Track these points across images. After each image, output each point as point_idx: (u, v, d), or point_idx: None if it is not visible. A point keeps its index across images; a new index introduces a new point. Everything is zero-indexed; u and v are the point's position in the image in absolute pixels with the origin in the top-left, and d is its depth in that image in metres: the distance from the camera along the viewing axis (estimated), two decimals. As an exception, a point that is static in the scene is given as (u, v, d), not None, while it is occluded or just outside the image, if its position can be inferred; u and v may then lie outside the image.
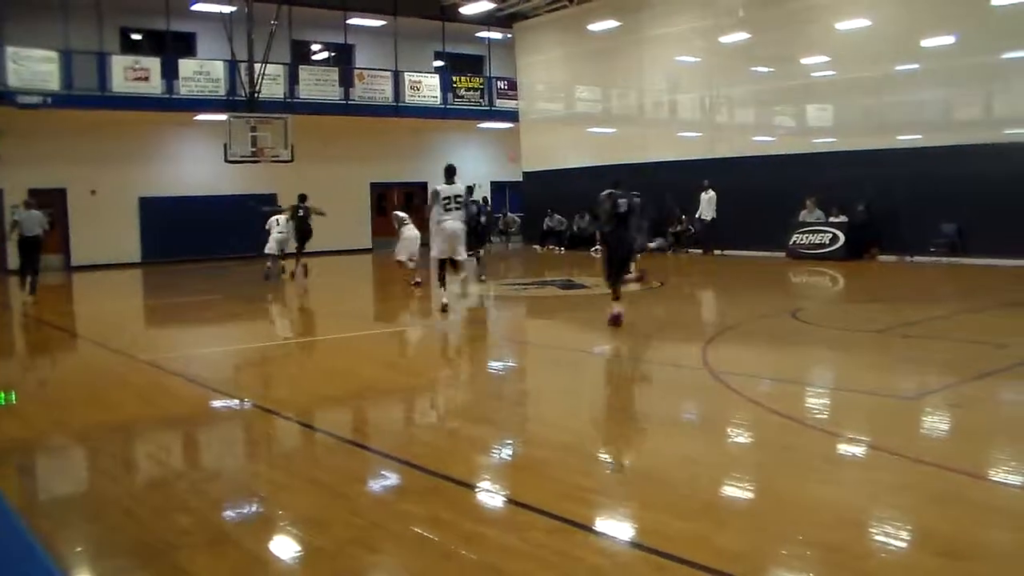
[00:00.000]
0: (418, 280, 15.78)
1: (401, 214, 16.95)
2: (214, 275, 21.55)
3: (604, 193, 10.40)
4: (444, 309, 12.26)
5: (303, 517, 4.56)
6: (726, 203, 21.70)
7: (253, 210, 20.81)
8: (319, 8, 26.22)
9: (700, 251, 22.58)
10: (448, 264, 12.63)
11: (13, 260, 19.87)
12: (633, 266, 11.16)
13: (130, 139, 24.84)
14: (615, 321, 10.30)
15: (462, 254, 12.64)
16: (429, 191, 11.73)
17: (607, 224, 10.32)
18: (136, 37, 26.01)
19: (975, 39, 17.80)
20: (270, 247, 18.84)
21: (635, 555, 3.98)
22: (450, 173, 12.49)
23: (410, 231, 16.35)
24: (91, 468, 5.91)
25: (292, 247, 19.36)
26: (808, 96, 22.16)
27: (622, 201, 10.14)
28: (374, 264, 24.99)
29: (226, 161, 23.67)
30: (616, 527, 4.38)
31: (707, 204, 22.27)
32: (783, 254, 20.44)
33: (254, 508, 4.82)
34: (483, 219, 19.03)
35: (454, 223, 12.26)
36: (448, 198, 12.20)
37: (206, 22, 25.24)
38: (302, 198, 19.24)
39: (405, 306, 14.70)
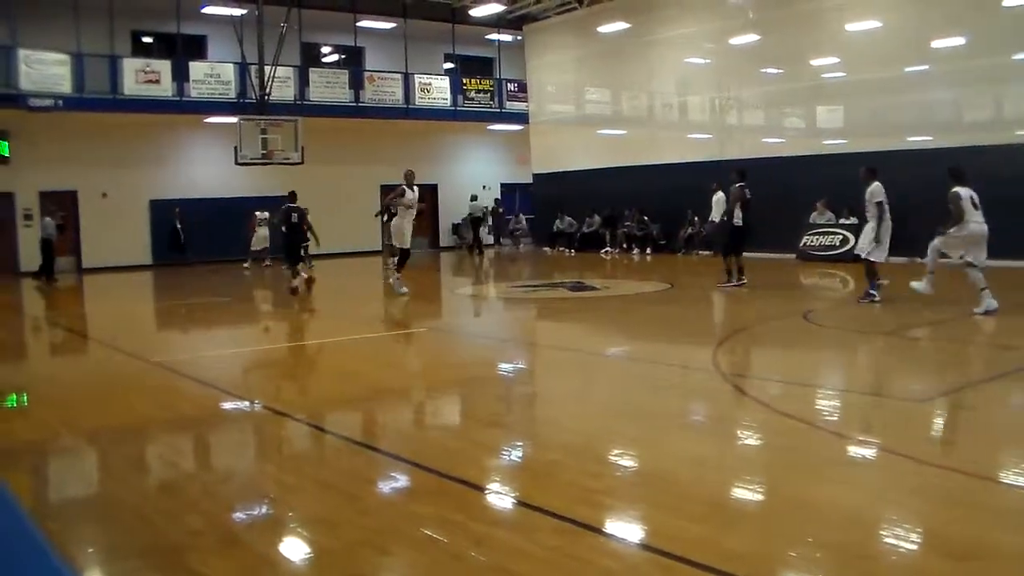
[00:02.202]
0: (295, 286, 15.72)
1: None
2: (224, 277, 21.60)
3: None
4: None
5: (313, 518, 4.58)
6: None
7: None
8: (329, 11, 26.29)
9: (710, 253, 22.54)
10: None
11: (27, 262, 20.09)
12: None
13: (141, 142, 24.97)
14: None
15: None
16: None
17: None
18: (147, 40, 26.14)
19: (985, 40, 17.73)
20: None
21: (644, 556, 3.98)
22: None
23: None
24: (101, 470, 5.93)
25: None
26: (818, 98, 22.09)
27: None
28: (383, 266, 24.97)
29: (236, 163, 23.79)
30: (625, 529, 4.37)
31: (718, 205, 22.20)
32: (794, 256, 20.39)
33: (264, 509, 4.84)
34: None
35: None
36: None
37: (217, 25, 25.34)
38: (291, 196, 17.35)
39: (415, 309, 14.70)
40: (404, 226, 15.13)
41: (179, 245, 24.48)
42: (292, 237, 16.26)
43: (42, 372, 10.24)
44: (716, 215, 22.26)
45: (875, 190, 11.96)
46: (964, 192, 11.02)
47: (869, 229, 12.11)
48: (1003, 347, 8.76)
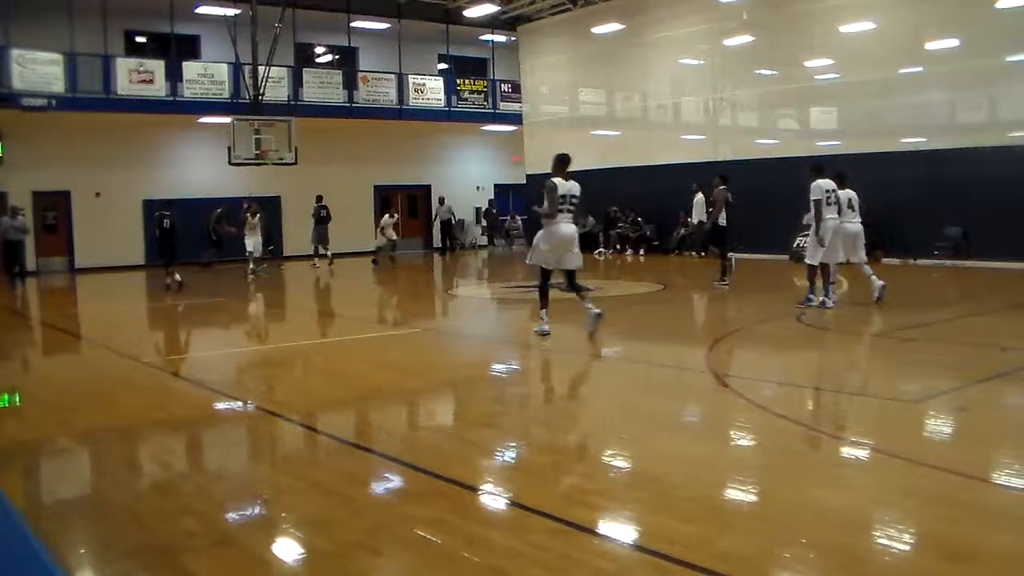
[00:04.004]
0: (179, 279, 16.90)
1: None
2: (218, 277, 21.55)
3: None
4: (594, 317, 10.02)
5: (307, 519, 4.57)
6: (729, 206, 21.63)
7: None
8: (323, 11, 26.28)
9: (693, 254, 22.61)
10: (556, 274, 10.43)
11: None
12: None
13: (134, 142, 24.92)
14: None
15: (574, 262, 10.15)
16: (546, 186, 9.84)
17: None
18: (140, 40, 26.12)
19: (979, 42, 17.79)
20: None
21: (638, 558, 3.97)
22: (565, 163, 10.15)
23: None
24: (95, 470, 5.91)
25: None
26: (812, 99, 22.15)
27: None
28: (378, 267, 24.94)
29: (230, 164, 23.74)
30: (620, 530, 4.37)
31: (700, 207, 22.32)
32: (787, 257, 20.41)
33: (258, 510, 4.83)
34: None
35: (568, 228, 9.94)
36: (563, 196, 9.84)
37: (210, 25, 25.32)
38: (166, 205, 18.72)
39: (407, 309, 14.70)
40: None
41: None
42: (164, 240, 17.96)
43: (34, 372, 10.21)
44: (696, 216, 22.41)
45: (814, 188, 11.66)
46: (824, 189, 11.71)
47: (811, 231, 11.98)
48: (1000, 348, 8.78)
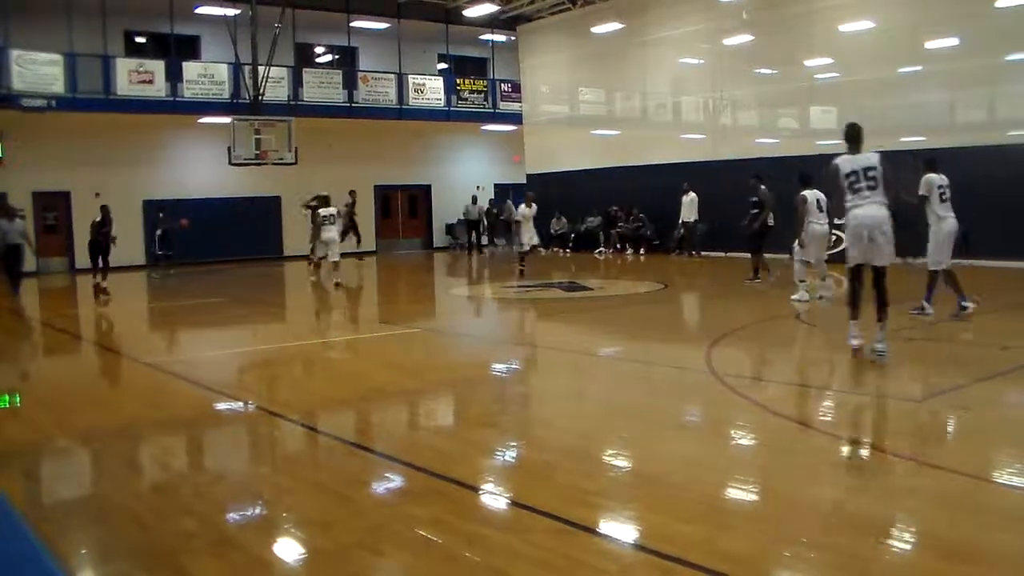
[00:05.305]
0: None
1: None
2: (218, 277, 21.57)
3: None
4: (879, 353, 8.04)
5: (307, 520, 4.57)
6: (729, 205, 21.65)
7: None
8: (323, 11, 26.26)
9: (686, 254, 22.60)
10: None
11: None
12: None
13: (134, 142, 24.89)
14: None
15: (883, 256, 8.25)
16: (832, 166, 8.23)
17: None
18: (140, 40, 26.08)
19: (979, 41, 17.77)
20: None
21: (639, 558, 3.98)
22: (858, 134, 8.39)
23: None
24: (95, 471, 5.92)
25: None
26: (812, 98, 22.13)
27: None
28: (379, 266, 24.98)
29: (230, 164, 23.72)
30: (620, 530, 4.37)
31: (688, 207, 22.32)
32: (787, 256, 20.37)
33: (258, 511, 4.83)
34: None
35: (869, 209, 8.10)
36: (855, 173, 8.13)
37: (210, 25, 25.31)
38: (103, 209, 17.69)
39: (409, 308, 14.70)
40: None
41: (168, 246, 23.75)
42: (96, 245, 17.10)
43: (34, 373, 10.20)
44: (688, 216, 22.40)
45: (924, 183, 10.95)
46: (811, 195, 11.95)
47: (931, 233, 10.85)
48: (1000, 347, 8.78)
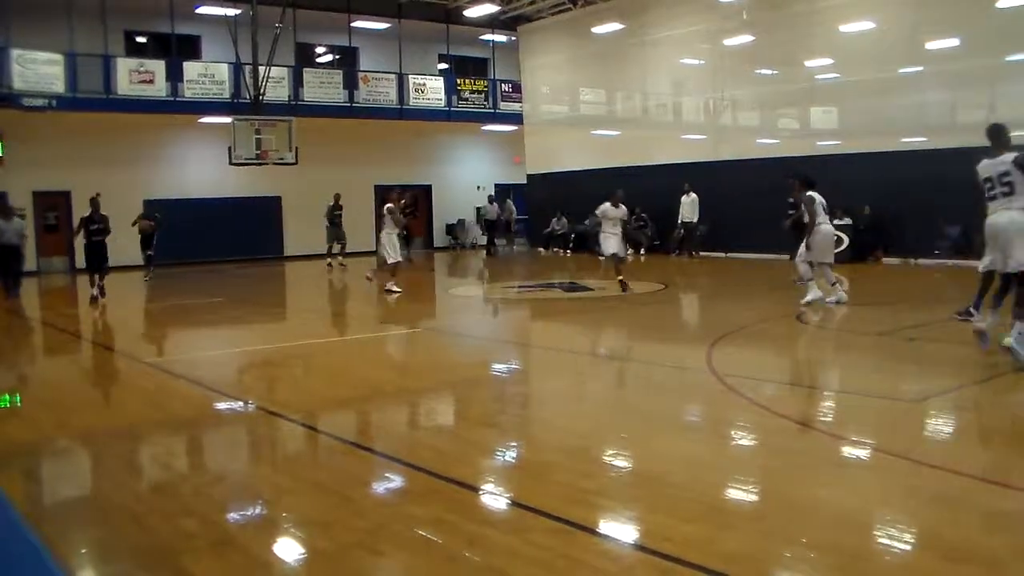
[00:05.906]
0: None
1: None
2: (219, 277, 21.56)
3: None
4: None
5: (307, 520, 4.57)
6: (730, 205, 21.68)
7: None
8: (324, 11, 26.27)
9: (686, 254, 22.60)
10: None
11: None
12: None
13: (135, 142, 24.89)
14: None
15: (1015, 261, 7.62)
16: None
17: None
18: (141, 40, 26.09)
19: (979, 41, 17.77)
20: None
21: (639, 557, 3.98)
22: (998, 134, 8.22)
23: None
24: (95, 471, 5.92)
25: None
26: (812, 98, 22.15)
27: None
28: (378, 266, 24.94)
29: (230, 164, 23.72)
30: (620, 530, 4.37)
31: (689, 207, 22.33)
32: (788, 257, 20.39)
33: (258, 511, 4.83)
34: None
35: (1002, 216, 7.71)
36: (989, 180, 7.84)
37: (211, 25, 25.31)
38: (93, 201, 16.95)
39: (409, 309, 14.69)
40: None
41: (147, 247, 22.48)
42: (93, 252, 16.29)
43: (35, 373, 10.20)
44: (689, 216, 22.42)
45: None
46: (817, 197, 11.95)
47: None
48: (1000, 348, 8.76)
